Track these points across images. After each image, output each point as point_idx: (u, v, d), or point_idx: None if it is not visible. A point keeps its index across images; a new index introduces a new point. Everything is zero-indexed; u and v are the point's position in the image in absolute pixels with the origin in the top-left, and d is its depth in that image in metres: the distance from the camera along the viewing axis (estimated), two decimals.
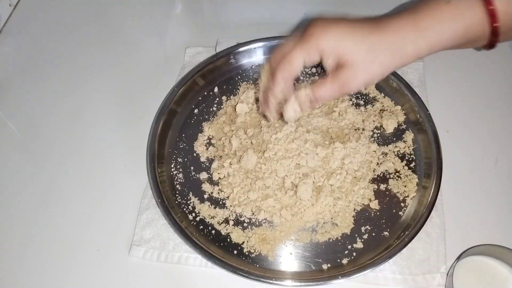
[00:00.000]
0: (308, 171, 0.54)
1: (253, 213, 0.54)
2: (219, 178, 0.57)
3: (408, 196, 0.54)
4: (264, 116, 0.55)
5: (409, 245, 0.49)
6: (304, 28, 0.44)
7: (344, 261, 0.50)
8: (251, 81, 0.66)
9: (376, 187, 0.55)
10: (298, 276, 0.49)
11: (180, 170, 0.58)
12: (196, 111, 0.64)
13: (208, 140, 0.61)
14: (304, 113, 0.50)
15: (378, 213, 0.54)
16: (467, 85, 0.66)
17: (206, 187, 0.57)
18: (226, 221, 0.54)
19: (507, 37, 0.43)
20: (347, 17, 0.45)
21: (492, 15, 0.40)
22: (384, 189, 0.55)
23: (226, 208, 0.55)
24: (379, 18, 0.44)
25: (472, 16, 0.41)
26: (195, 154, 0.60)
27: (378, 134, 0.60)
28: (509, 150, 0.59)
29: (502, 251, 0.47)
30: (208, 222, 0.54)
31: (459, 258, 0.48)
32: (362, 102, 0.63)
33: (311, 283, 0.48)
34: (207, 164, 0.59)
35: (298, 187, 0.53)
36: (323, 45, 0.42)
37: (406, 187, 0.55)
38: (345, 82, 0.43)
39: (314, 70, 0.67)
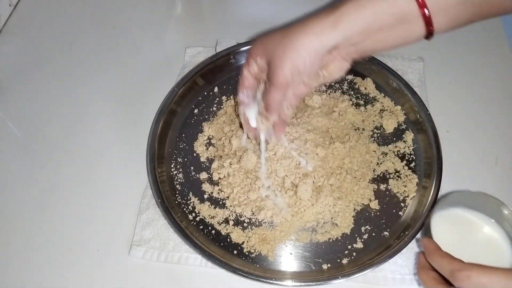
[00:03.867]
0: (308, 171, 0.54)
1: (253, 213, 0.54)
2: (219, 178, 0.57)
3: (408, 196, 0.54)
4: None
5: (409, 245, 0.49)
6: None
7: (344, 261, 0.50)
8: None
9: (376, 187, 0.55)
10: (298, 276, 0.49)
11: (180, 170, 0.58)
12: (196, 111, 0.64)
13: (208, 140, 0.61)
14: (268, 123, 0.50)
15: (378, 213, 0.54)
16: (467, 85, 0.66)
17: (206, 187, 0.57)
18: (226, 221, 0.54)
19: (445, 20, 0.42)
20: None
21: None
22: (384, 189, 0.55)
23: (226, 208, 0.55)
24: None
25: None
26: (195, 154, 0.60)
27: (378, 134, 0.60)
28: (509, 150, 0.59)
29: (477, 196, 0.47)
30: (208, 222, 0.54)
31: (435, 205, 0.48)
32: (362, 102, 0.63)
33: (311, 283, 0.48)
34: (207, 164, 0.59)
35: (298, 187, 0.53)
36: (254, 52, 0.47)
37: (406, 187, 0.55)
38: (272, 76, 0.44)
39: None
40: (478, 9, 0.41)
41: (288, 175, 0.54)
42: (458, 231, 0.47)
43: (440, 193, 0.53)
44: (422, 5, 0.40)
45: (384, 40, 0.42)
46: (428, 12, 0.40)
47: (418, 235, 0.50)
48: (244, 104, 0.51)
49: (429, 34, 0.42)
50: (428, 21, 0.41)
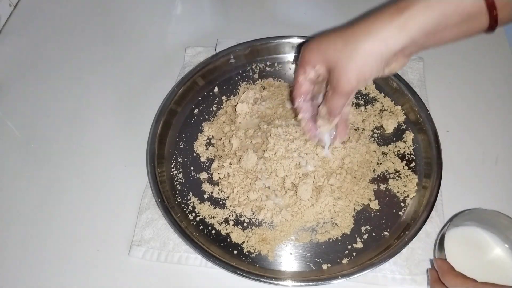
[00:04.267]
0: (308, 171, 0.54)
1: (253, 213, 0.54)
2: (219, 178, 0.57)
3: (408, 196, 0.54)
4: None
5: (409, 245, 0.49)
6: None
7: (344, 261, 0.50)
8: (251, 81, 0.66)
9: (376, 187, 0.55)
10: (298, 276, 0.49)
11: (180, 170, 0.58)
12: (196, 111, 0.64)
13: (208, 140, 0.61)
14: (331, 126, 0.52)
15: (378, 213, 0.54)
16: (467, 85, 0.66)
17: (206, 187, 0.57)
18: (226, 221, 0.54)
19: (507, 13, 0.42)
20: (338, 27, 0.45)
21: None
22: (384, 189, 0.55)
23: (226, 208, 0.55)
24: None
25: None
26: (195, 154, 0.60)
27: (378, 134, 0.60)
28: (509, 150, 0.59)
29: (490, 213, 0.47)
30: (208, 222, 0.54)
31: (449, 223, 0.48)
32: (362, 102, 0.63)
33: (311, 283, 0.48)
34: (207, 164, 0.59)
35: (298, 187, 0.53)
36: (311, 59, 0.46)
37: (406, 187, 0.55)
38: (336, 85, 0.44)
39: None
40: None
41: (288, 175, 0.54)
42: (471, 251, 0.48)
43: (440, 193, 0.53)
44: (491, 4, 0.40)
45: (447, 37, 0.42)
46: (496, 11, 0.40)
47: (431, 256, 0.50)
48: (302, 111, 0.51)
49: (491, 28, 0.42)
50: (494, 17, 0.41)
